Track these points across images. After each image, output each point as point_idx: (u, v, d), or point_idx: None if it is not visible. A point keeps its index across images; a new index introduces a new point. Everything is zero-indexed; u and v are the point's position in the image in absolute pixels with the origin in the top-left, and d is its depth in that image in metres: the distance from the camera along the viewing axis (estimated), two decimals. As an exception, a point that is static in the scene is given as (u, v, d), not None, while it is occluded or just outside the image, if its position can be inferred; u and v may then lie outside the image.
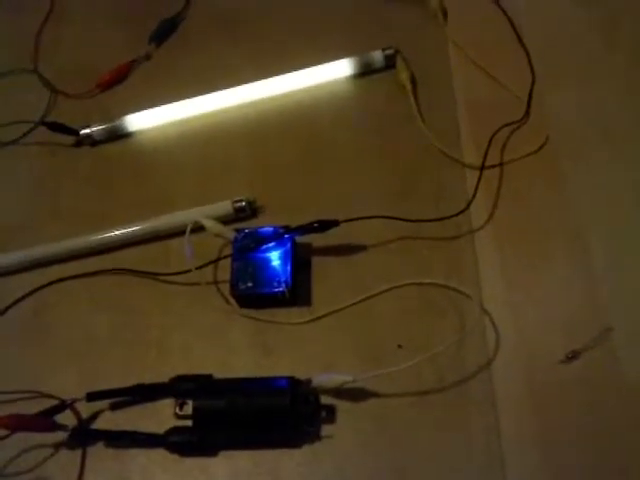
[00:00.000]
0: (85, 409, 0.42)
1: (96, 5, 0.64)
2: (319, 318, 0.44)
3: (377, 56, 0.54)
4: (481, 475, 0.38)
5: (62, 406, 0.41)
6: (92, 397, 0.41)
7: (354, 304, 0.44)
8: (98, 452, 0.41)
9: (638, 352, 0.40)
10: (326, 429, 0.40)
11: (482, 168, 0.47)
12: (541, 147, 0.48)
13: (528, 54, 0.53)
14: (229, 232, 0.45)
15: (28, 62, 0.61)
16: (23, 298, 0.48)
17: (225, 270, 0.46)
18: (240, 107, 0.55)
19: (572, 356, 0.40)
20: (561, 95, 0.50)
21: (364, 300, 0.44)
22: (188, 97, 0.55)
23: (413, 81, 0.53)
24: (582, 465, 0.38)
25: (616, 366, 0.40)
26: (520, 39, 0.53)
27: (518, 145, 0.49)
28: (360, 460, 0.40)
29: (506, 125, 0.49)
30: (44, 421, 0.40)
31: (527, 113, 0.50)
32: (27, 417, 0.40)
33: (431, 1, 0.56)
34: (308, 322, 0.44)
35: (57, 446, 0.42)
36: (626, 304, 0.42)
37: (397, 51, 0.54)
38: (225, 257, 0.46)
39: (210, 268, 0.47)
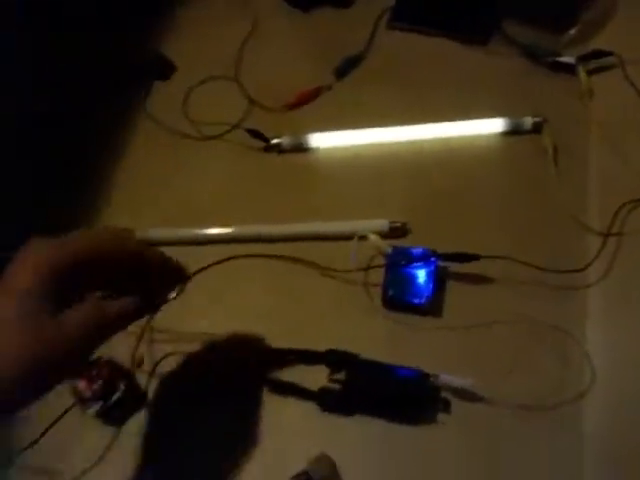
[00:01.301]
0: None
1: (292, 34, 0.75)
2: (446, 329, 0.54)
3: (527, 121, 0.63)
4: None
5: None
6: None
7: (478, 325, 0.54)
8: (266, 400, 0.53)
9: None
10: (440, 417, 0.50)
11: (607, 235, 0.56)
12: (659, 227, 0.56)
13: (659, 142, 0.60)
14: (386, 247, 0.56)
15: (230, 71, 0.74)
16: (208, 267, 0.60)
17: (374, 276, 0.57)
18: (404, 144, 0.65)
19: (654, 404, 0.49)
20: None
21: (487, 324, 0.54)
22: (360, 127, 0.66)
23: (555, 148, 0.62)
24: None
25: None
26: (655, 128, 0.61)
27: (637, 220, 0.57)
28: (461, 445, 0.49)
29: (633, 201, 0.57)
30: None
31: (650, 194, 0.58)
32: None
33: (581, 81, 0.65)
34: (437, 330, 0.54)
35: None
36: None
37: (545, 120, 0.63)
38: (379, 266, 0.57)
39: (363, 272, 0.58)
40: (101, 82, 0.74)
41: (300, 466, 0.49)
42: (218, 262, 0.54)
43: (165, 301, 0.47)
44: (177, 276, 0.47)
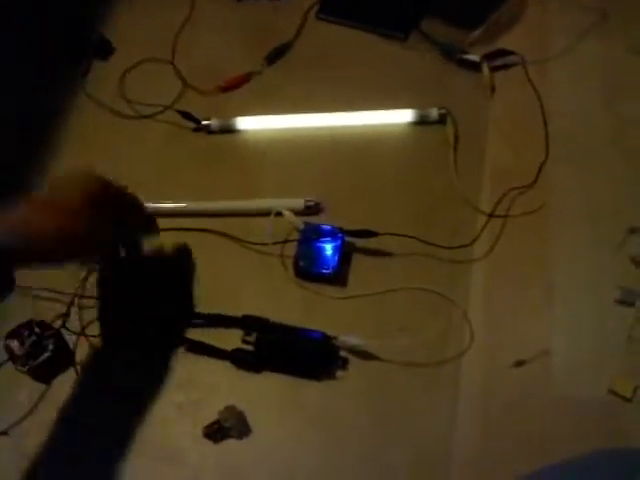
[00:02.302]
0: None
1: (227, 21, 0.79)
2: (350, 297, 0.60)
3: (433, 112, 0.69)
4: (434, 431, 0.55)
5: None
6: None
7: (376, 293, 0.60)
8: (181, 353, 0.59)
9: (564, 373, 0.56)
10: (339, 374, 0.57)
11: (490, 215, 0.63)
12: (537, 210, 0.63)
13: (547, 136, 0.67)
14: (300, 223, 0.61)
15: (166, 54, 0.77)
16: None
17: (289, 249, 0.63)
18: (320, 129, 0.70)
19: (519, 363, 0.56)
20: (563, 174, 0.65)
21: (383, 292, 0.60)
22: (284, 112, 0.71)
23: (456, 138, 0.68)
24: (515, 444, 0.53)
25: (548, 378, 0.56)
26: (545, 125, 0.68)
27: (522, 205, 0.64)
28: (358, 398, 0.56)
29: (516, 188, 0.64)
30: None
31: (534, 182, 0.65)
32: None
33: (484, 77, 0.71)
34: (341, 299, 0.60)
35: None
36: (566, 340, 0.58)
37: (449, 112, 0.69)
38: (293, 240, 0.62)
39: (279, 245, 0.63)
40: (40, 60, 0.76)
41: (213, 417, 0.55)
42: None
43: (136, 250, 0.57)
44: (150, 228, 0.58)
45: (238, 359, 0.57)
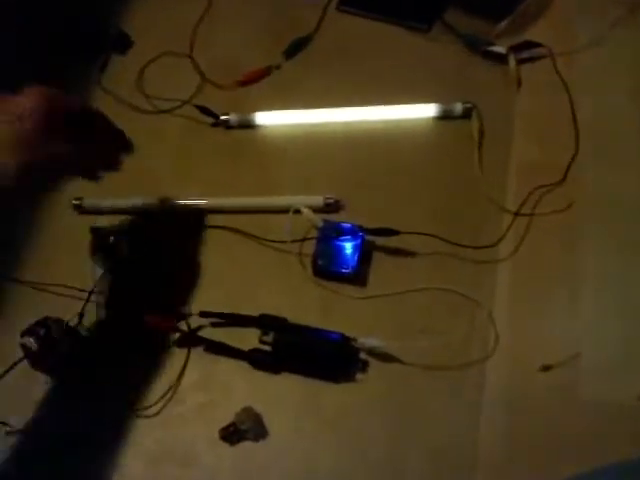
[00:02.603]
0: (195, 322, 0.58)
1: (245, 15, 0.77)
2: (369, 297, 0.59)
3: (458, 107, 0.67)
4: (456, 436, 0.53)
5: (182, 315, 0.57)
6: (204, 314, 0.57)
7: (397, 293, 0.58)
8: (199, 353, 0.57)
9: (594, 378, 0.53)
10: (359, 376, 0.55)
11: (516, 214, 0.61)
12: (565, 209, 0.60)
13: (577, 133, 0.64)
14: (319, 221, 0.60)
15: (185, 48, 0.76)
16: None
17: (308, 247, 0.61)
18: (341, 124, 0.68)
19: (546, 368, 0.54)
20: (594, 173, 0.62)
21: (404, 292, 0.58)
22: (304, 107, 0.69)
23: (481, 133, 0.66)
24: (540, 451, 0.51)
25: (576, 383, 0.53)
26: (575, 118, 0.65)
27: (549, 203, 0.61)
28: (377, 401, 0.54)
29: (544, 185, 0.62)
30: (170, 323, 0.57)
31: (563, 179, 0.62)
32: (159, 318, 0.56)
33: (510, 70, 0.69)
34: (361, 299, 0.59)
35: (173, 342, 0.58)
36: (595, 342, 0.55)
37: (474, 106, 0.67)
38: (312, 238, 0.61)
39: (298, 243, 0.61)
40: (59, 53, 0.76)
41: (229, 418, 0.54)
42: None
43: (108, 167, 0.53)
44: (121, 142, 0.54)
45: (255, 360, 0.56)
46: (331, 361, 0.55)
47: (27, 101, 0.46)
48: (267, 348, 0.56)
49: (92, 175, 0.53)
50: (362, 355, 0.56)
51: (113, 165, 0.54)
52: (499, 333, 0.56)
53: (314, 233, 0.61)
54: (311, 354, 0.55)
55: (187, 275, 0.62)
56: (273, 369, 0.56)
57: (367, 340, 0.55)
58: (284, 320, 0.57)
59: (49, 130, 0.46)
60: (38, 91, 0.46)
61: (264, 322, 0.57)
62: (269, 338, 0.56)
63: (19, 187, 0.45)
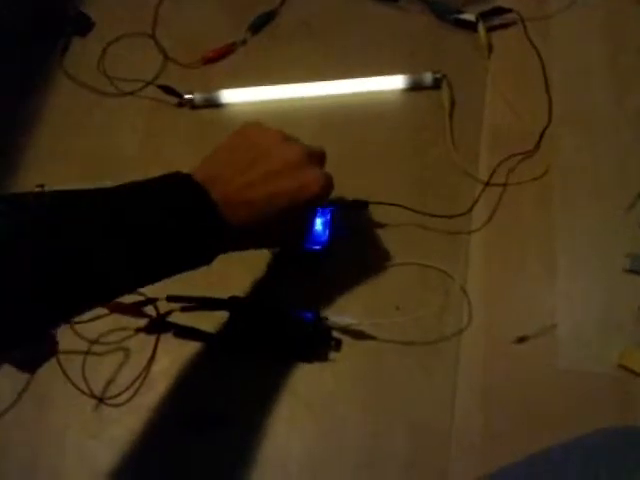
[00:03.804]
0: (163, 307, 0.56)
1: (210, -11, 0.75)
2: (342, 273, 0.56)
3: (427, 77, 0.64)
4: (432, 412, 0.51)
5: (149, 301, 0.55)
6: (171, 299, 0.55)
7: (368, 269, 0.56)
8: (167, 339, 0.55)
9: (571, 347, 0.52)
10: (332, 355, 0.53)
11: (487, 184, 0.59)
12: (539, 178, 0.58)
13: (550, 99, 0.62)
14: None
15: (147, 27, 0.73)
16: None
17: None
18: (310, 99, 0.66)
19: (522, 339, 0.52)
20: (568, 140, 0.60)
21: (378, 268, 0.56)
22: (271, 83, 0.66)
23: (452, 103, 0.63)
24: (519, 423, 0.50)
25: (553, 354, 0.52)
26: (547, 85, 0.63)
27: (522, 172, 0.59)
28: (351, 380, 0.53)
29: (517, 154, 0.60)
30: (136, 309, 0.54)
31: (536, 147, 0.60)
32: (124, 304, 0.54)
33: (480, 37, 0.66)
34: (333, 274, 0.57)
35: (139, 330, 0.56)
36: (571, 312, 0.54)
37: (444, 75, 0.64)
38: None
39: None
40: (17, 36, 0.72)
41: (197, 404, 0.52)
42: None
43: None
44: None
45: (224, 343, 0.54)
46: (303, 341, 0.53)
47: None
48: (236, 330, 0.54)
49: None
50: (335, 334, 0.54)
51: None
52: (473, 305, 0.54)
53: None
54: (283, 335, 0.53)
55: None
56: (243, 352, 0.54)
57: (339, 318, 0.53)
58: (255, 302, 0.55)
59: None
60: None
61: (234, 304, 0.55)
62: (241, 320, 0.53)
63: None
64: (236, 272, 0.57)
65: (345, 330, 0.53)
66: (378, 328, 0.53)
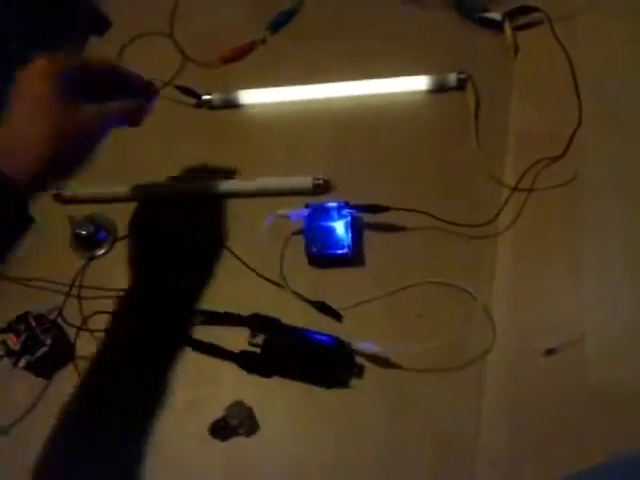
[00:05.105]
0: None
1: (228, -13, 0.73)
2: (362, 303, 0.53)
3: (451, 78, 0.62)
4: (457, 427, 0.49)
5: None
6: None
7: (389, 294, 0.53)
8: (184, 353, 0.54)
9: (601, 359, 0.49)
10: (354, 382, 0.50)
11: (514, 189, 0.56)
12: (567, 183, 0.56)
13: (580, 102, 0.59)
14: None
15: (165, 27, 0.71)
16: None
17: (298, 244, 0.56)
18: (331, 100, 0.63)
19: (550, 351, 0.50)
20: (597, 145, 0.57)
21: (398, 290, 0.53)
22: (291, 83, 0.64)
23: (477, 104, 0.61)
24: (542, 440, 0.47)
25: (582, 367, 0.49)
26: (576, 86, 0.60)
27: (549, 177, 0.56)
28: (373, 407, 0.50)
29: (545, 159, 0.57)
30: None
31: (565, 152, 0.57)
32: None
33: (506, 36, 0.63)
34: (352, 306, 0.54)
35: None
36: (600, 322, 0.51)
37: (469, 76, 0.61)
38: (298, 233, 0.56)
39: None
40: (35, 37, 0.71)
41: (218, 414, 0.50)
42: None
43: (146, 111, 0.51)
44: (149, 88, 0.52)
45: (245, 363, 0.52)
46: (325, 367, 0.50)
47: (36, 68, 0.43)
48: (257, 350, 0.52)
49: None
50: (358, 359, 0.51)
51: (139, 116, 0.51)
52: (499, 317, 0.52)
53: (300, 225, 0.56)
54: (304, 359, 0.51)
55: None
56: (263, 373, 0.51)
57: (363, 345, 0.50)
58: (277, 321, 0.52)
59: (68, 92, 0.43)
60: (45, 58, 0.43)
61: (255, 322, 0.52)
62: (259, 340, 0.51)
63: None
64: (258, 289, 0.55)
65: (367, 356, 0.51)
66: (400, 355, 0.50)
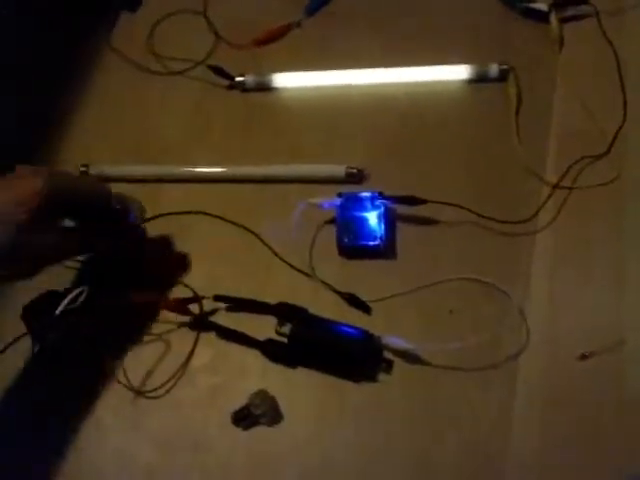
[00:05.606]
0: (209, 306, 0.53)
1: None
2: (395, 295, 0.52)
3: (493, 68, 0.59)
4: (487, 432, 0.47)
5: (195, 299, 0.52)
6: (218, 298, 0.52)
7: (421, 287, 0.52)
8: (209, 339, 0.52)
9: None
10: (382, 377, 0.49)
11: (555, 186, 0.54)
12: (610, 182, 0.53)
13: (625, 98, 0.57)
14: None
15: (198, 5, 0.69)
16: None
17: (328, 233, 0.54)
18: (365, 87, 0.61)
19: (586, 356, 0.48)
20: (642, 141, 0.55)
21: (430, 285, 0.52)
22: (325, 68, 0.62)
23: (519, 97, 0.58)
24: (579, 451, 0.46)
25: (620, 374, 0.47)
26: (622, 84, 0.57)
27: (592, 175, 0.54)
28: (400, 404, 0.48)
29: (588, 156, 0.55)
30: (182, 307, 0.51)
31: (609, 150, 0.55)
32: (171, 301, 0.51)
33: (552, 29, 0.61)
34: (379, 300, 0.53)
35: (181, 325, 0.53)
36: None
37: (512, 68, 0.59)
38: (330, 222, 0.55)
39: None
40: (65, 13, 0.69)
41: (242, 402, 0.49)
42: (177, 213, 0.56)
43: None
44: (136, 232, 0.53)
45: (271, 351, 0.50)
46: (352, 360, 0.48)
47: (27, 186, 0.41)
48: (283, 339, 0.50)
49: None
50: (386, 354, 0.50)
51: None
52: (533, 318, 0.50)
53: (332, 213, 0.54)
54: (332, 350, 0.49)
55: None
56: (288, 362, 0.50)
57: (392, 339, 0.48)
58: (304, 310, 0.51)
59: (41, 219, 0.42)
60: (29, 177, 0.42)
61: (282, 311, 0.51)
62: (286, 329, 0.50)
63: None
64: (287, 278, 0.54)
65: (397, 352, 0.49)
66: (431, 352, 0.49)
